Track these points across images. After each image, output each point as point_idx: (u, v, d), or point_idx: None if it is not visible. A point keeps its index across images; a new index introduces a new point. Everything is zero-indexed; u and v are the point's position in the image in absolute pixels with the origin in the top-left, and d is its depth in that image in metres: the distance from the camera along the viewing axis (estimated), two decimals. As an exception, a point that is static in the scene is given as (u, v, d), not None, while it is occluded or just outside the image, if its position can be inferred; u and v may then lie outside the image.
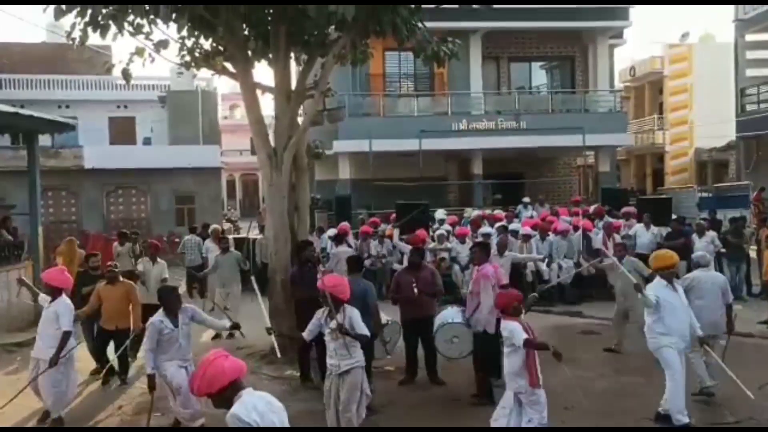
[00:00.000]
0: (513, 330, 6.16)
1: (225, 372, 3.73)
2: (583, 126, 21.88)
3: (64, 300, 7.59)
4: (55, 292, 7.59)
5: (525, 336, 6.09)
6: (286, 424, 3.87)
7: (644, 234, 14.51)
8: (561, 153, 25.53)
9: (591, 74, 24.98)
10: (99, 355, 9.27)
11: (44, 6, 8.81)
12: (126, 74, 9.94)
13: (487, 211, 17.76)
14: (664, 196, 20.13)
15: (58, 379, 7.41)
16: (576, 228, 14.53)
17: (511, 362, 6.26)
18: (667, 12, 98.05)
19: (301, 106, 11.27)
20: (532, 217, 17.08)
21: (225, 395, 3.73)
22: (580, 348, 10.07)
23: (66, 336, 7.34)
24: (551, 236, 14.29)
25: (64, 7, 8.70)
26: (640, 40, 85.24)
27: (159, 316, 7.03)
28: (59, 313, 7.42)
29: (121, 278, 9.20)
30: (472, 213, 17.29)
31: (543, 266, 13.73)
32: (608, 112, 24.16)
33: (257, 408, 3.68)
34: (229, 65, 10.61)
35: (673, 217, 15.60)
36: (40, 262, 13.71)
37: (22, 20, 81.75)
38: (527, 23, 23.22)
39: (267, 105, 11.28)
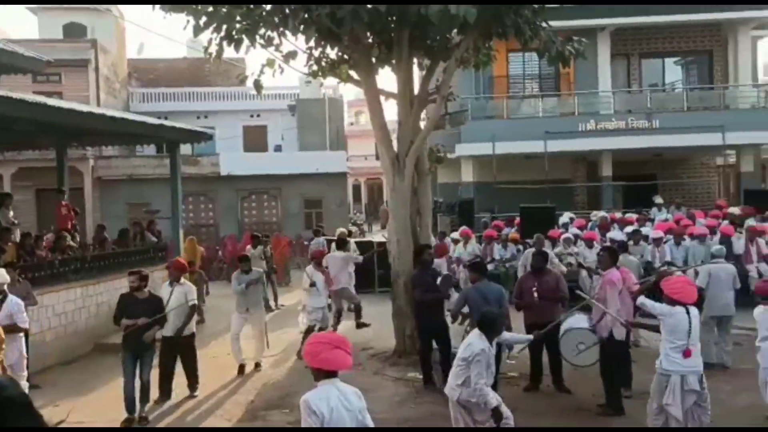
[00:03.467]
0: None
1: (315, 358, 4.06)
2: (722, 124, 20.61)
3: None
4: None
5: None
6: (364, 424, 4.06)
7: (793, 239, 13.42)
8: (698, 153, 24.11)
9: (731, 68, 23.44)
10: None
11: (185, 24, 9.43)
12: (258, 85, 10.45)
13: (617, 215, 17.09)
14: (817, 198, 18.46)
15: None
16: (714, 232, 13.65)
17: (764, 351, 6.51)
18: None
19: (424, 111, 11.36)
20: (666, 219, 16.24)
21: (314, 373, 4.11)
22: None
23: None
24: (687, 240, 13.48)
25: (202, 24, 9.28)
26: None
27: (483, 343, 6.08)
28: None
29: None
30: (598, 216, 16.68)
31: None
32: (751, 108, 22.52)
33: (330, 401, 3.94)
34: (353, 73, 10.87)
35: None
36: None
37: (163, 36, 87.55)
38: (659, 17, 22.08)
39: (391, 110, 11.48)
